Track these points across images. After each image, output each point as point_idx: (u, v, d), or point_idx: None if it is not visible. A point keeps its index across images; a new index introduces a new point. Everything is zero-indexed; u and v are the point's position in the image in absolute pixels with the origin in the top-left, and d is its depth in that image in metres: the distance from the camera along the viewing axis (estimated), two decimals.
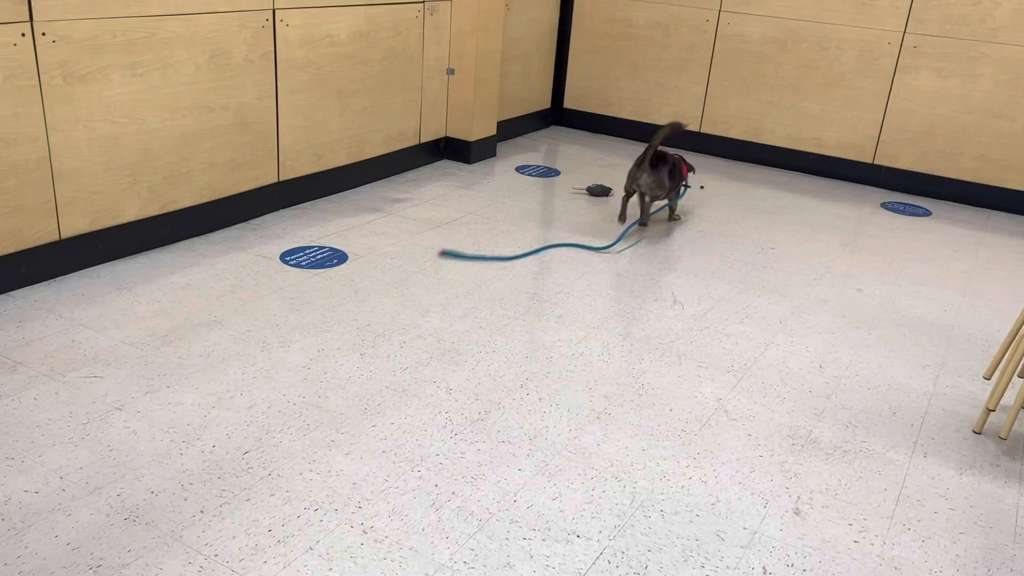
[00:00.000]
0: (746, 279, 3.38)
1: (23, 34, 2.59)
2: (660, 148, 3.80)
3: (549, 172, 4.61)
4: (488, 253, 3.41)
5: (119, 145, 2.96)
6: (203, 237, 3.34)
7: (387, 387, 2.41)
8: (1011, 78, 4.35)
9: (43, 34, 2.64)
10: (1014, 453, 2.35)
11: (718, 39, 5.01)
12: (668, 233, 3.83)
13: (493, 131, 4.73)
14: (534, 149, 5.07)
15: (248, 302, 2.84)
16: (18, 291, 2.78)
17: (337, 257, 3.26)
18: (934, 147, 4.62)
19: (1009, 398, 2.61)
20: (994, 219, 4.41)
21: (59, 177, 2.81)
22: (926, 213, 4.43)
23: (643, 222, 3.85)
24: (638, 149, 5.21)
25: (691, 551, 1.87)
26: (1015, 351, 2.39)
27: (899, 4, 4.50)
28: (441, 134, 4.59)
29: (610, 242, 3.66)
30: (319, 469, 2.04)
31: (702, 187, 4.55)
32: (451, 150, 4.65)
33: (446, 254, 3.33)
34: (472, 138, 4.57)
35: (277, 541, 1.80)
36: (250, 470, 2.01)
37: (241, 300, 2.85)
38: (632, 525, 1.94)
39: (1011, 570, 1.90)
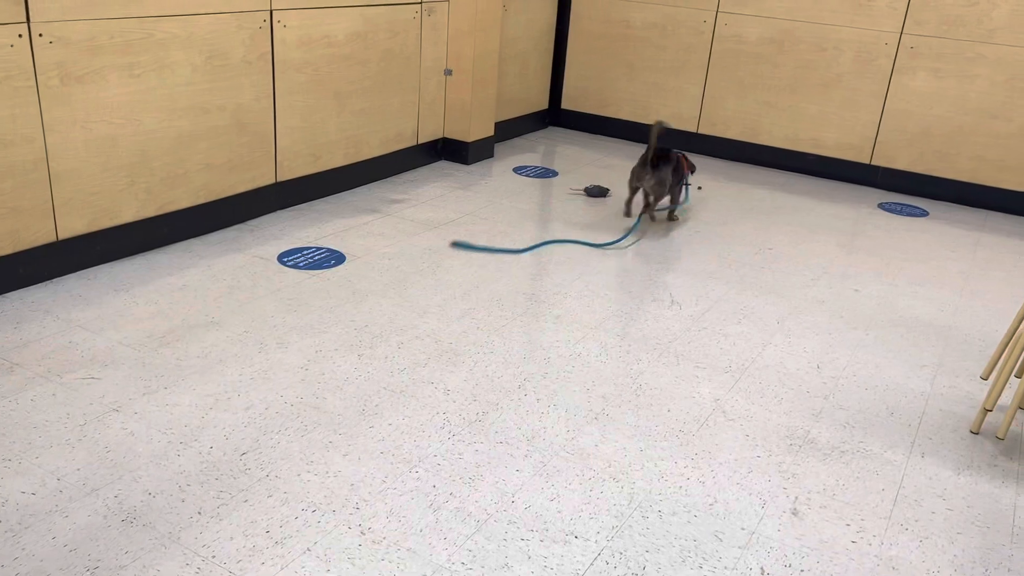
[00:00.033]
0: (744, 280, 3.38)
1: (20, 35, 2.59)
2: (661, 147, 3.84)
3: (547, 173, 4.61)
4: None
5: (116, 146, 2.96)
6: (200, 238, 3.34)
7: (385, 388, 2.41)
8: (1008, 79, 4.36)
9: (40, 35, 2.64)
10: (1011, 453, 2.35)
11: (715, 40, 5.01)
12: (666, 234, 3.83)
13: (491, 132, 4.74)
14: (532, 150, 5.07)
15: (245, 303, 2.84)
16: (15, 292, 2.78)
17: (335, 258, 3.26)
18: (931, 148, 4.63)
19: (1006, 398, 2.61)
20: (991, 219, 4.42)
21: (56, 178, 2.80)
22: (923, 213, 4.43)
23: (651, 216, 3.93)
24: (636, 149, 5.21)
25: (689, 552, 1.87)
26: (1012, 351, 2.39)
27: (896, 5, 4.51)
28: (439, 135, 4.59)
29: (614, 238, 3.69)
30: (317, 470, 2.03)
31: (699, 188, 4.56)
32: (449, 151, 4.65)
33: (457, 245, 3.37)
34: (470, 139, 4.57)
35: (275, 542, 1.80)
36: (248, 471, 2.01)
37: (238, 301, 2.85)
38: (630, 526, 1.94)
39: (1008, 570, 1.90)
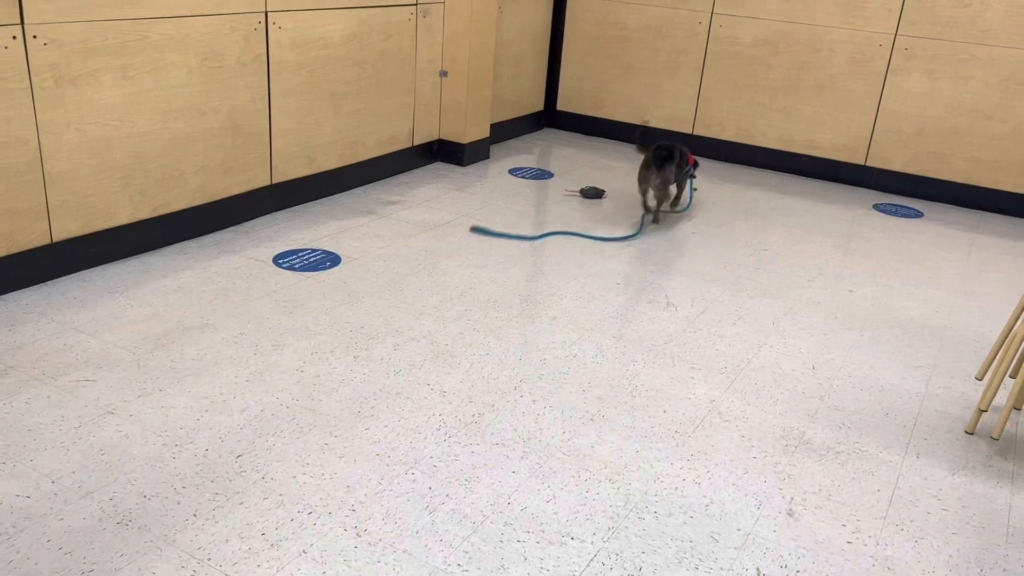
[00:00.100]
0: (739, 281, 3.39)
1: (14, 37, 2.58)
2: (663, 142, 3.91)
3: (542, 174, 4.61)
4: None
5: (111, 148, 2.95)
6: (195, 240, 3.33)
7: (381, 390, 2.40)
8: (1001, 80, 4.37)
9: (34, 37, 2.63)
10: (1006, 453, 2.36)
11: (710, 41, 5.02)
12: (661, 235, 3.84)
13: (486, 133, 4.74)
14: (527, 151, 5.07)
15: (241, 305, 2.84)
16: (9, 295, 2.77)
17: (330, 260, 3.26)
18: (926, 148, 4.64)
19: (1001, 399, 2.62)
20: (986, 220, 4.43)
21: (50, 180, 2.80)
22: (918, 215, 4.44)
23: (655, 219, 3.97)
24: (631, 151, 5.22)
25: (685, 552, 1.87)
26: (1007, 352, 2.40)
27: (890, 6, 4.52)
28: (434, 136, 4.59)
29: (627, 233, 3.79)
30: (312, 472, 2.03)
31: (695, 189, 4.56)
32: (444, 152, 4.65)
33: (476, 230, 3.45)
34: (465, 140, 4.57)
35: (271, 544, 1.79)
36: (243, 473, 2.01)
37: (234, 303, 2.85)
38: (626, 527, 1.94)
39: (1003, 570, 1.91)
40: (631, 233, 3.81)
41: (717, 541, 1.92)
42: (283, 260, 3.22)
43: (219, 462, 2.04)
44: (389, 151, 4.28)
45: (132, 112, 2.98)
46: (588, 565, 1.81)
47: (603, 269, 3.39)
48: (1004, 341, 2.54)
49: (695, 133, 5.21)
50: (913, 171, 4.70)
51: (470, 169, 4.59)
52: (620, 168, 4.83)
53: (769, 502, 2.06)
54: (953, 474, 2.24)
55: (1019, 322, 2.47)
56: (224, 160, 3.38)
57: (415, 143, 4.46)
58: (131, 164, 3.04)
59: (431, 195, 4.11)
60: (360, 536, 1.84)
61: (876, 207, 4.51)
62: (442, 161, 4.67)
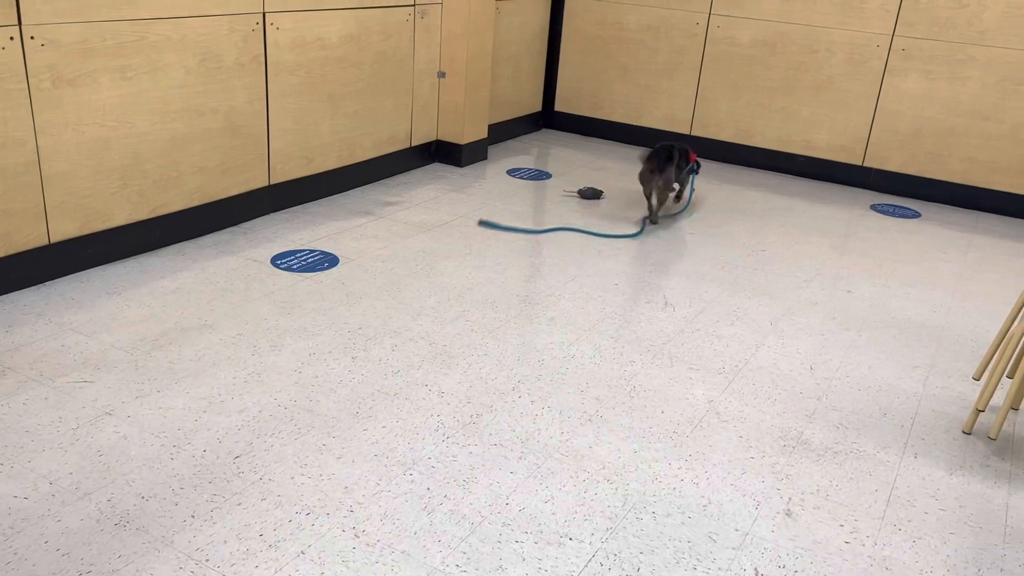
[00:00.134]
0: (737, 281, 3.39)
1: (11, 38, 2.58)
2: (664, 142, 3.94)
3: (540, 175, 4.61)
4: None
5: (108, 149, 2.95)
6: (193, 241, 3.33)
7: (379, 390, 2.40)
8: (999, 80, 4.38)
9: (32, 38, 2.63)
10: (1003, 453, 2.36)
11: (708, 42, 5.02)
12: (660, 235, 3.84)
13: (484, 134, 4.74)
14: (525, 152, 5.07)
15: (239, 306, 2.84)
16: (7, 295, 2.77)
17: (328, 260, 3.26)
18: (923, 149, 4.65)
19: (998, 399, 2.62)
20: (983, 221, 4.44)
21: (48, 181, 2.80)
22: (915, 215, 4.45)
23: (653, 220, 3.98)
24: (629, 152, 5.22)
25: (683, 553, 1.87)
26: (1004, 352, 2.40)
27: (888, 7, 4.52)
28: (432, 137, 4.59)
29: (631, 232, 3.84)
30: (311, 473, 2.03)
31: (693, 189, 4.56)
32: (442, 153, 4.65)
33: (484, 223, 3.50)
34: (463, 141, 4.57)
35: (269, 545, 1.79)
36: (241, 474, 2.01)
37: (232, 304, 2.85)
38: (624, 527, 1.94)
39: (1001, 570, 1.91)
40: (635, 231, 3.84)
41: (715, 541, 1.92)
42: (281, 261, 3.21)
43: (217, 463, 2.04)
44: (387, 152, 4.28)
45: (130, 113, 2.98)
46: (586, 565, 1.81)
47: (601, 270, 3.39)
48: (1001, 341, 2.55)
49: (693, 134, 5.21)
50: (910, 171, 4.71)
51: (468, 170, 4.59)
52: (618, 169, 4.83)
53: (767, 502, 2.07)
54: (951, 474, 2.25)
55: (1016, 322, 2.47)
56: (222, 161, 3.38)
57: (413, 144, 4.46)
58: (129, 165, 3.03)
59: (429, 196, 4.11)
60: (358, 537, 1.84)
61: (874, 207, 4.52)
62: (440, 162, 4.67)
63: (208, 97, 3.24)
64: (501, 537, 1.87)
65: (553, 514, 1.96)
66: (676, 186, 4.25)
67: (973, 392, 2.68)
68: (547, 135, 5.53)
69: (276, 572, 1.73)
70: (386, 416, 2.28)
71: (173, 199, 3.23)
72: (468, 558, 1.80)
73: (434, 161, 4.67)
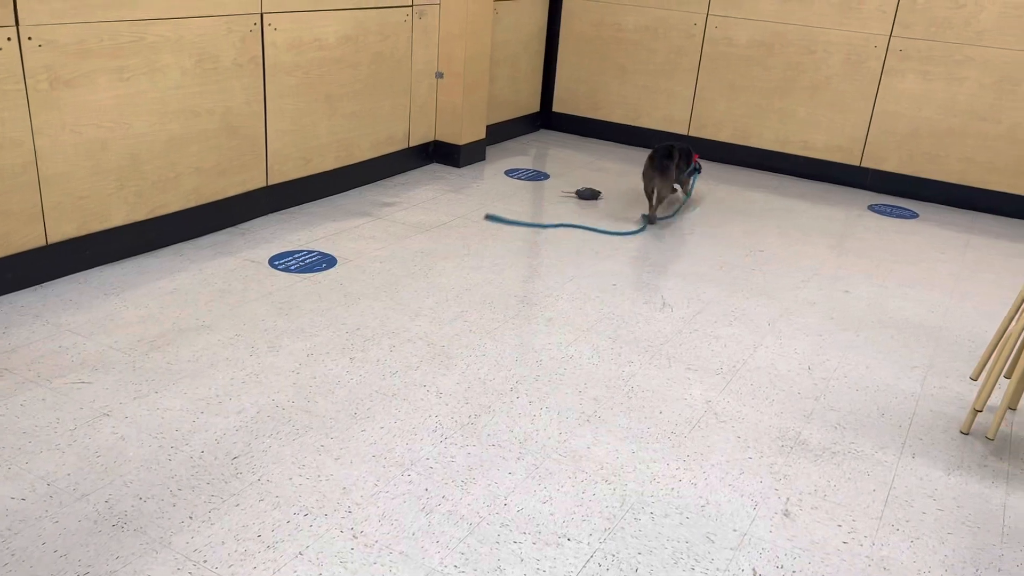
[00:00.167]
0: (735, 282, 3.39)
1: (8, 38, 2.58)
2: (666, 143, 3.97)
3: (538, 176, 4.62)
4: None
5: (106, 150, 2.95)
6: (191, 242, 3.33)
7: (377, 391, 2.40)
8: (996, 81, 4.39)
9: (29, 38, 2.63)
10: (1001, 453, 2.36)
11: (706, 42, 5.03)
12: (657, 236, 3.84)
13: (482, 135, 4.74)
14: (523, 153, 5.07)
15: (236, 307, 2.83)
16: (4, 297, 2.76)
17: (326, 261, 3.26)
18: (920, 149, 4.65)
19: (996, 399, 2.62)
20: (980, 221, 4.44)
21: (45, 182, 2.79)
22: (913, 215, 4.45)
23: (651, 219, 3.99)
24: (627, 152, 5.22)
25: (681, 553, 1.87)
26: (1001, 352, 2.40)
27: (885, 8, 4.53)
28: (430, 138, 4.59)
29: (632, 229, 3.89)
30: (308, 474, 2.03)
31: (691, 188, 4.56)
32: (440, 154, 4.65)
33: (490, 217, 3.56)
34: (461, 142, 4.57)
35: (266, 546, 1.79)
36: (239, 475, 2.00)
37: (229, 305, 2.84)
38: (622, 528, 1.94)
39: (999, 570, 1.91)
40: (638, 228, 3.87)
41: (713, 542, 1.92)
42: (279, 262, 3.21)
43: (215, 464, 2.04)
44: (385, 152, 4.28)
45: (127, 114, 2.98)
46: (584, 566, 1.81)
47: (599, 270, 3.39)
48: (999, 341, 2.55)
49: (691, 134, 5.21)
50: (908, 172, 4.71)
51: (466, 170, 4.59)
52: (616, 169, 4.84)
53: (765, 502, 2.07)
54: (948, 474, 2.25)
55: (1014, 322, 2.48)
56: (220, 162, 3.38)
57: (411, 144, 4.46)
58: (126, 166, 3.03)
59: (427, 196, 4.11)
60: (356, 538, 1.84)
61: (871, 208, 4.52)
62: (438, 162, 4.67)
63: (206, 98, 3.24)
64: (499, 538, 1.87)
65: (551, 515, 1.96)
66: (676, 188, 4.27)
67: (971, 392, 2.68)
68: (545, 136, 5.53)
69: (274, 573, 1.72)
70: (384, 417, 2.28)
71: (171, 200, 3.23)
72: (466, 559, 1.80)
73: (432, 162, 4.67)
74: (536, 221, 3.89)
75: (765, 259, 3.66)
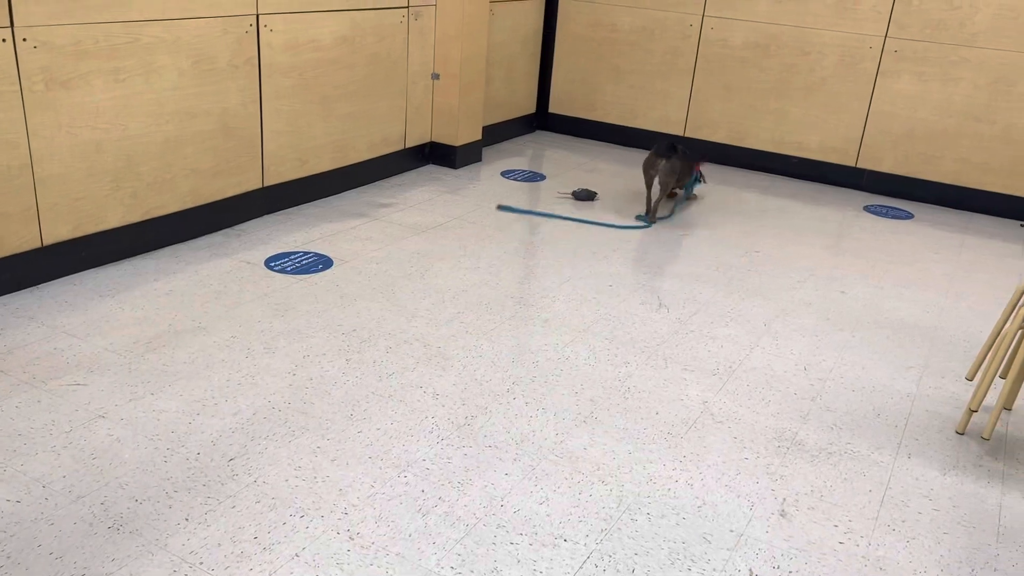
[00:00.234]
0: (731, 282, 3.40)
1: (3, 39, 2.57)
2: (673, 142, 4.01)
3: (534, 176, 4.62)
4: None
5: (102, 151, 2.94)
6: (187, 243, 3.32)
7: (373, 392, 2.40)
8: (990, 82, 4.40)
9: (24, 39, 2.63)
10: (996, 453, 2.37)
11: (702, 44, 5.03)
12: (654, 237, 3.85)
13: (478, 136, 4.74)
14: (519, 154, 5.07)
15: (232, 308, 2.83)
16: None
17: (322, 262, 3.26)
18: (916, 150, 4.66)
19: (991, 399, 2.63)
20: (975, 222, 4.45)
21: (41, 183, 2.79)
22: (908, 216, 4.46)
23: (653, 217, 4.01)
24: (623, 153, 5.23)
25: (678, 554, 1.88)
26: (996, 352, 2.41)
27: (880, 9, 4.54)
28: (426, 139, 4.59)
29: (646, 222, 3.98)
30: (305, 475, 2.03)
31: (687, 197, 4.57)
32: (436, 155, 4.65)
33: (502, 208, 3.65)
34: (457, 143, 4.57)
35: (263, 548, 1.79)
36: (235, 477, 2.00)
37: (225, 306, 2.84)
38: (619, 528, 1.94)
39: (994, 569, 1.91)
40: (644, 224, 3.94)
41: (710, 542, 1.92)
42: (275, 263, 3.21)
43: (211, 466, 2.03)
44: (381, 154, 4.28)
45: (123, 115, 2.97)
46: (581, 567, 1.81)
47: (596, 271, 3.39)
48: (994, 341, 2.55)
49: (687, 135, 5.22)
50: (903, 173, 4.72)
51: (462, 172, 4.59)
52: (611, 170, 4.84)
53: (761, 503, 2.07)
54: (944, 474, 2.25)
55: (1008, 322, 2.48)
56: (216, 163, 3.38)
57: (407, 146, 4.46)
58: (122, 167, 3.03)
59: (423, 197, 4.11)
60: (353, 539, 1.84)
61: (867, 208, 4.53)
62: (434, 164, 4.67)
63: (201, 99, 3.24)
64: (496, 539, 1.87)
65: (548, 515, 1.96)
66: (677, 191, 4.30)
67: (966, 392, 2.69)
68: (541, 137, 5.53)
69: (271, 575, 1.72)
70: (380, 418, 2.28)
71: (166, 201, 3.23)
72: (463, 560, 1.80)
73: (428, 163, 4.67)
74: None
75: (761, 260, 3.67)
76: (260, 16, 3.38)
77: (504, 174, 4.60)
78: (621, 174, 4.77)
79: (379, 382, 2.46)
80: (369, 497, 1.97)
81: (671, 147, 3.94)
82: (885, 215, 4.44)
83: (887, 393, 2.65)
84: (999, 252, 4.01)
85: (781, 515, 2.03)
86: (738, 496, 2.09)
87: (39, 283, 2.87)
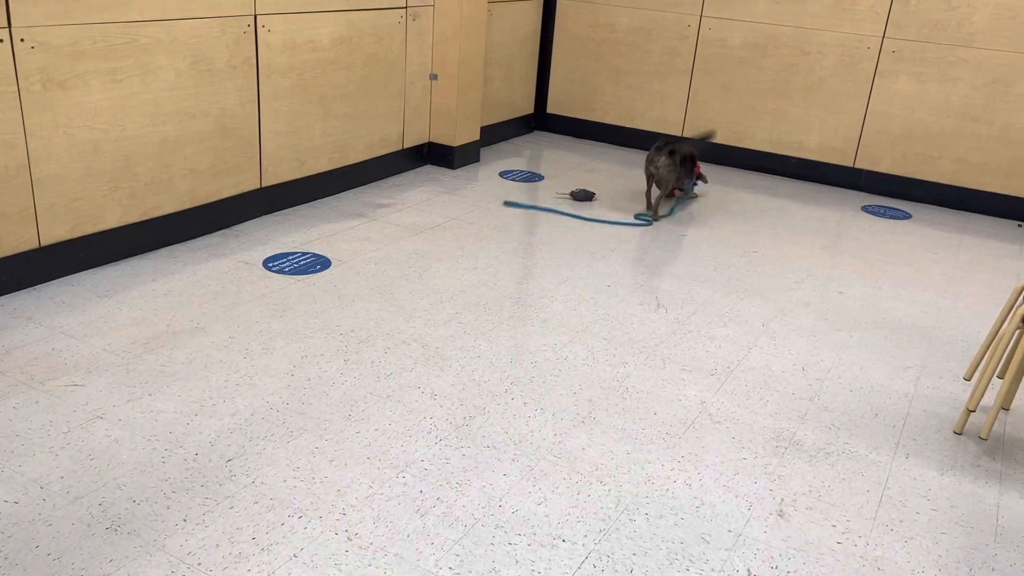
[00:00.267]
0: (729, 283, 3.40)
1: (1, 40, 2.57)
2: (677, 144, 4.04)
3: (533, 177, 4.62)
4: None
5: (99, 152, 2.94)
6: (185, 244, 3.32)
7: (371, 393, 2.40)
8: (988, 82, 4.40)
9: (22, 40, 2.62)
10: (994, 453, 2.37)
11: (700, 44, 5.03)
12: (652, 237, 3.85)
13: (476, 136, 4.74)
14: (517, 154, 5.07)
15: (230, 309, 2.83)
16: None
17: (320, 263, 3.25)
18: (913, 150, 4.67)
19: (989, 399, 2.63)
20: (973, 222, 4.46)
21: (38, 184, 2.79)
22: (906, 216, 4.47)
23: (654, 214, 4.03)
24: (621, 154, 5.23)
25: (676, 554, 1.88)
26: (994, 352, 2.41)
27: (878, 9, 4.54)
28: (424, 139, 4.59)
29: (640, 222, 4.00)
30: (303, 476, 2.03)
31: (684, 191, 4.57)
32: (434, 155, 4.65)
33: (509, 204, 3.71)
34: (455, 143, 4.57)
35: (261, 549, 1.79)
36: (233, 478, 2.00)
37: (223, 307, 2.84)
38: (617, 529, 1.94)
39: (992, 569, 1.92)
40: (643, 223, 3.95)
41: (708, 542, 1.92)
42: (273, 263, 3.21)
43: (209, 466, 2.03)
44: (379, 154, 4.28)
45: (121, 115, 2.97)
46: (579, 567, 1.81)
47: (594, 271, 3.39)
48: (991, 342, 2.56)
49: (686, 136, 5.22)
50: (901, 173, 4.73)
51: (460, 172, 4.59)
52: (610, 170, 4.84)
53: (759, 503, 2.07)
54: (942, 474, 2.25)
55: (1006, 323, 2.49)
56: (213, 163, 3.37)
57: (405, 146, 4.46)
58: (120, 168, 3.02)
59: (421, 198, 4.11)
60: (351, 540, 1.84)
61: (865, 209, 4.53)
62: (432, 164, 4.67)
63: (199, 99, 3.24)
64: (494, 539, 1.87)
65: (546, 516, 1.96)
66: (679, 192, 4.33)
67: (964, 392, 2.69)
68: (539, 137, 5.53)
69: None
70: (379, 419, 2.28)
71: (164, 202, 3.22)
72: (461, 560, 1.80)
73: (426, 163, 4.67)
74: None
75: (759, 260, 3.67)
76: (258, 16, 3.38)
77: (502, 174, 4.60)
78: (619, 174, 4.77)
79: (377, 382, 2.45)
80: (367, 498, 1.97)
81: (672, 147, 3.96)
82: (883, 215, 4.45)
83: (885, 393, 2.65)
84: (997, 252, 4.01)
85: (779, 515, 2.03)
86: (736, 496, 2.09)
87: (37, 284, 2.87)
